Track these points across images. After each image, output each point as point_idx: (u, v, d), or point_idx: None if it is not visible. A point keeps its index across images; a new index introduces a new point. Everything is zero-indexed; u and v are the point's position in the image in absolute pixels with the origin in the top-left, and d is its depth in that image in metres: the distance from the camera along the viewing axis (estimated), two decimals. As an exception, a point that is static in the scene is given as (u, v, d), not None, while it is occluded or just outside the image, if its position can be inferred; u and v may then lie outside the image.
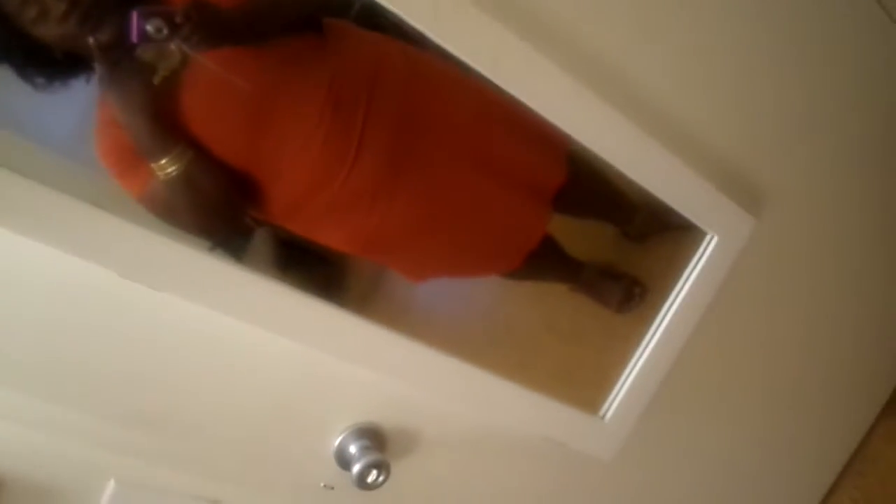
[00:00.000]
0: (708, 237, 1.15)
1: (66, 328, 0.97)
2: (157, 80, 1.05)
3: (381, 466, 1.13)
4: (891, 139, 1.43)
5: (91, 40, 0.96)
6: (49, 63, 1.01)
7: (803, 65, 1.22)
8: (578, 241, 1.55)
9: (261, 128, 1.11)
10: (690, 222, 1.32)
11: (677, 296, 1.16)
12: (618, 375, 1.24)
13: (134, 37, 0.94)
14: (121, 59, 0.99)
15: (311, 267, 1.44)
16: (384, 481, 1.12)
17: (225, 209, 1.16)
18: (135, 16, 0.93)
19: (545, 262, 1.47)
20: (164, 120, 1.05)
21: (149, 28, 0.93)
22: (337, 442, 1.19)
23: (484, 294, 1.66)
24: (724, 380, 1.49)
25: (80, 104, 1.06)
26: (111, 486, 1.06)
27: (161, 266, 0.92)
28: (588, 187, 1.40)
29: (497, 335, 1.60)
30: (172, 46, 1.02)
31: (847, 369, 1.74)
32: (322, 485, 1.10)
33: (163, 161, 1.05)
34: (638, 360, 1.19)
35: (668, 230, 1.51)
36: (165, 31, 0.93)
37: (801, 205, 1.35)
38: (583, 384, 1.44)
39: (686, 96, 1.11)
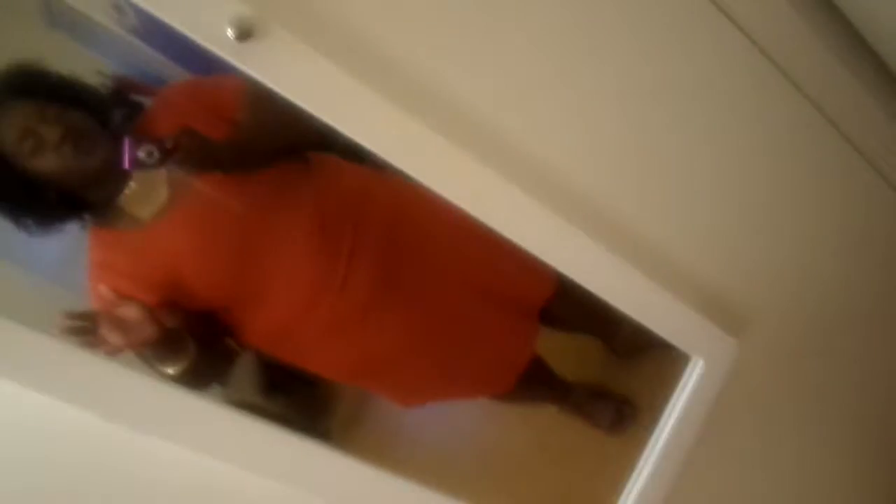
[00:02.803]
0: (693, 361, 1.15)
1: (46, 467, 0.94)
2: (144, 219, 1.08)
3: None
4: (869, 251, 1.47)
5: None
6: (43, 206, 1.05)
7: (785, 185, 1.28)
8: (566, 360, 1.55)
9: (249, 253, 1.13)
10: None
11: (667, 421, 1.15)
12: (613, 502, 1.21)
13: (126, 163, 0.98)
14: None
15: (296, 390, 1.41)
16: None
17: (217, 378, 1.18)
18: (127, 142, 0.97)
19: (534, 382, 1.46)
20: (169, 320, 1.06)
21: (140, 154, 0.97)
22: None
23: (471, 415, 1.64)
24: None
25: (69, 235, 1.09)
26: None
27: (143, 406, 0.89)
28: (574, 300, 1.41)
29: (487, 459, 1.56)
30: (162, 171, 1.05)
31: (844, 487, 1.70)
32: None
33: (164, 367, 1.07)
34: (632, 488, 1.16)
35: (655, 346, 1.51)
36: (157, 156, 0.97)
37: (783, 322, 1.36)
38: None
39: (663, 220, 1.14)
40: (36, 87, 1.05)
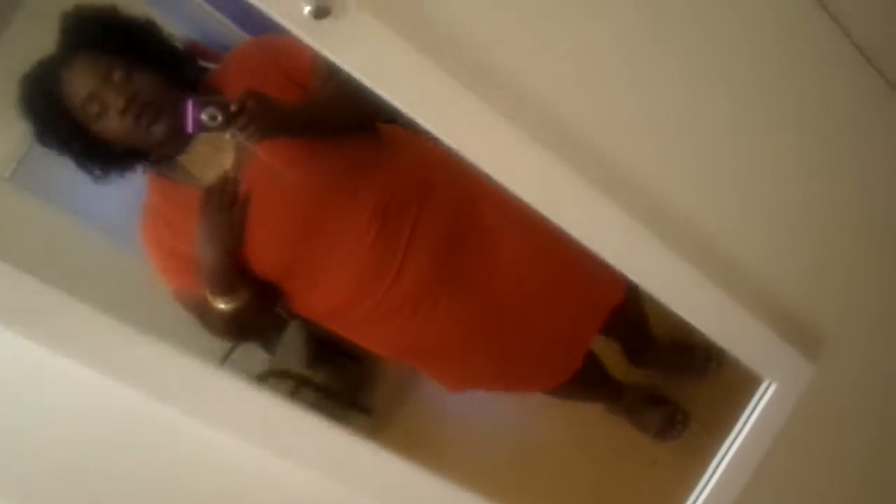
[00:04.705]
0: (765, 384, 1.09)
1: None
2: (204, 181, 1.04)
3: None
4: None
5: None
6: (107, 156, 1.03)
7: (863, 206, 1.21)
8: (619, 361, 1.49)
9: (310, 228, 1.08)
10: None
11: (733, 443, 1.09)
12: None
13: (190, 126, 0.92)
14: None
15: (341, 363, 1.40)
16: None
17: (261, 333, 1.14)
18: (190, 105, 0.92)
19: (586, 381, 1.40)
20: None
21: (203, 117, 0.91)
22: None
23: (517, 406, 1.60)
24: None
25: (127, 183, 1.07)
26: None
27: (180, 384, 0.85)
28: (637, 314, 1.35)
29: (526, 451, 1.53)
30: (227, 136, 1.00)
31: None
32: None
33: (220, 300, 1.05)
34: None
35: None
36: (220, 119, 0.91)
37: (860, 348, 1.29)
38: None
39: (746, 238, 1.09)
40: (106, 39, 1.00)
